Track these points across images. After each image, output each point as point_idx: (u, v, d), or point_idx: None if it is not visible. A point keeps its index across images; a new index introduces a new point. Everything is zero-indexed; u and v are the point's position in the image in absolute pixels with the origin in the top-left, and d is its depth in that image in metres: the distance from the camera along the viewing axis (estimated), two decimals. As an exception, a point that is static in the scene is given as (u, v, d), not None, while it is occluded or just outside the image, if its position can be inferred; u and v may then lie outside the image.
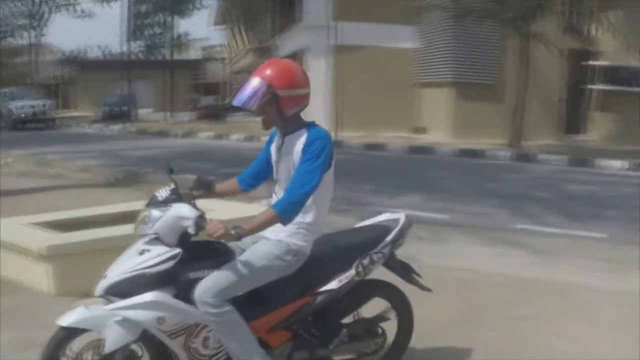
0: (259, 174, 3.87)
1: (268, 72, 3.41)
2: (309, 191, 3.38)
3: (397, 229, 3.88)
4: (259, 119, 3.53)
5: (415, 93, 25.96)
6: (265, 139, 3.85)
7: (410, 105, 25.65)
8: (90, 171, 14.12)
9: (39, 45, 54.61)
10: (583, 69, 24.55)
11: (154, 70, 46.97)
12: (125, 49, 42.19)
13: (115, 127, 30.29)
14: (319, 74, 25.27)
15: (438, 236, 8.32)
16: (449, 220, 9.47)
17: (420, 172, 15.66)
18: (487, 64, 24.00)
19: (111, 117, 36.01)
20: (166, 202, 3.42)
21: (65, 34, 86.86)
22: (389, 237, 3.83)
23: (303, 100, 3.51)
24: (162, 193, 3.50)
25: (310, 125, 3.53)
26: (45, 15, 53.54)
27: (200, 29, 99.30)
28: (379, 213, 4.21)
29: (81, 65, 59.07)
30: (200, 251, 3.44)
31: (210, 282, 3.31)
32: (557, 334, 4.89)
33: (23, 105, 32.40)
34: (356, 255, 3.71)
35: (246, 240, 3.50)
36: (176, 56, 49.17)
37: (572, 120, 25.28)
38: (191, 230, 3.30)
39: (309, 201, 3.44)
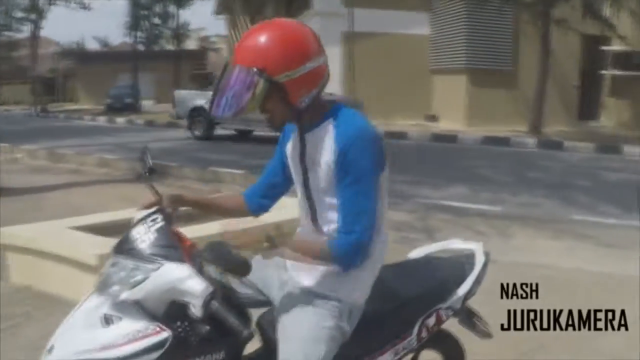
0: (274, 188, 2.59)
1: (254, 52, 2.13)
2: (372, 224, 2.19)
3: (475, 273, 2.72)
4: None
5: (428, 80, 25.62)
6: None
7: (423, 92, 25.28)
8: (108, 165, 13.56)
9: (36, 39, 53.89)
10: (598, 55, 24.26)
11: (155, 62, 46.62)
12: (123, 40, 41.76)
13: (121, 120, 29.66)
14: (331, 61, 24.64)
15: (499, 230, 7.95)
16: (502, 212, 9.03)
17: (451, 161, 15.23)
18: (502, 49, 23.64)
19: (115, 109, 35.24)
20: (153, 255, 2.12)
21: (61, 26, 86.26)
22: (465, 287, 2.66)
23: (321, 76, 2.26)
24: (143, 233, 2.19)
25: (337, 112, 2.28)
26: (43, 8, 52.90)
27: (199, 19, 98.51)
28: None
29: (79, 58, 58.60)
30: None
31: None
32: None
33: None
34: (419, 311, 2.56)
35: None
36: (176, 47, 48.83)
37: (586, 106, 24.97)
38: (196, 313, 2.06)
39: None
